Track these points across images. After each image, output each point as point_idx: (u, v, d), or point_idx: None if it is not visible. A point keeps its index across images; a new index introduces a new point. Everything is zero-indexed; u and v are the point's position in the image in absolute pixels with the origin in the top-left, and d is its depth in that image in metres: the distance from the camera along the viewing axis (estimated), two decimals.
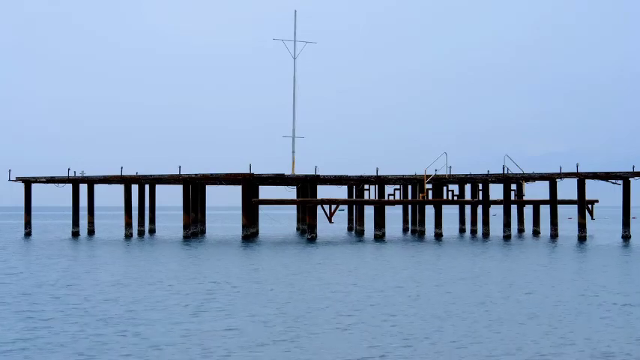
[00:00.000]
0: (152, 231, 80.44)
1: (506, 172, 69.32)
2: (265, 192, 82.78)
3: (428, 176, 69.09)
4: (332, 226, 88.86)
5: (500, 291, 29.36)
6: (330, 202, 65.02)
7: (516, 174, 69.43)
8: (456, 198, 74.20)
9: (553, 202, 69.66)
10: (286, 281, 32.74)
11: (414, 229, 77.00)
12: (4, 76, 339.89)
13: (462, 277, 34.62)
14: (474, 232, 75.74)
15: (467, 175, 71.23)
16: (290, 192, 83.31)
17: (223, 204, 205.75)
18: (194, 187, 73.20)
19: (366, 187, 78.07)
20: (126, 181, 72.73)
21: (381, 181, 72.37)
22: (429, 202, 69.27)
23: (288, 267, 39.74)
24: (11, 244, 62.91)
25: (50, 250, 54.30)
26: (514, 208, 79.01)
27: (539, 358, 17.26)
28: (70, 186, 75.15)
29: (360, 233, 76.64)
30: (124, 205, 73.62)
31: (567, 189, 73.61)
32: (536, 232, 74.98)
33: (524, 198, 75.91)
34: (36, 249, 56.63)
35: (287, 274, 35.70)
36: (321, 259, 45.32)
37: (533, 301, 26.39)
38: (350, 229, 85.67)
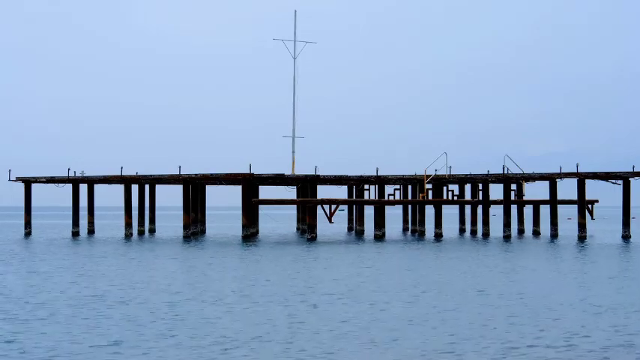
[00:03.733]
0: (152, 231, 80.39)
1: (506, 172, 69.26)
2: (265, 192, 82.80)
3: (428, 176, 69.04)
4: (332, 226, 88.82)
5: None
6: (330, 202, 64.97)
7: (516, 174, 69.36)
8: (456, 198, 74.14)
9: (553, 202, 69.61)
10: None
11: (414, 229, 76.93)
12: (4, 76, 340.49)
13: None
14: (474, 232, 75.66)
15: (467, 175, 71.17)
16: (290, 192, 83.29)
17: (223, 204, 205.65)
18: (194, 187, 73.14)
19: (366, 187, 77.97)
20: (126, 181, 72.68)
21: (381, 181, 72.30)
22: (429, 202, 69.22)
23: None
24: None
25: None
26: (514, 208, 78.89)
27: None
28: (70, 186, 75.11)
29: (360, 233, 76.56)
30: (124, 205, 73.58)
31: (567, 189, 73.60)
32: (536, 232, 74.90)
33: (524, 198, 75.81)
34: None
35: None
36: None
37: None
38: (350, 229, 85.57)
